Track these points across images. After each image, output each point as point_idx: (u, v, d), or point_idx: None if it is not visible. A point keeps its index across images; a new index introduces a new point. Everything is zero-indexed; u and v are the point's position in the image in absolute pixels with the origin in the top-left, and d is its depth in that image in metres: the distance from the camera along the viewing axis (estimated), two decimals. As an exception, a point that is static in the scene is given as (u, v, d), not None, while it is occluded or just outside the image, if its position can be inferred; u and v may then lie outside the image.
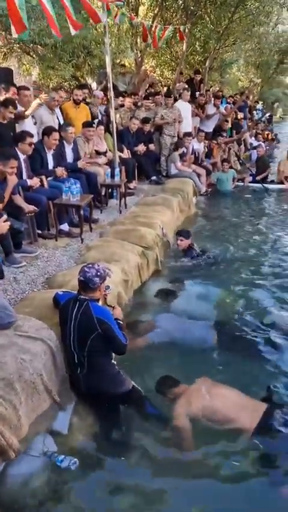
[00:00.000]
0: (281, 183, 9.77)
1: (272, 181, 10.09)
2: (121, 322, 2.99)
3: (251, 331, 3.80)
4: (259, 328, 3.87)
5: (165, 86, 12.75)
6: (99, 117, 7.54)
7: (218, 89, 13.88)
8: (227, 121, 11.12)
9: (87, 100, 7.69)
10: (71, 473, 2.41)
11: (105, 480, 2.49)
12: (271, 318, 4.08)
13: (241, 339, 3.70)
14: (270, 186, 9.87)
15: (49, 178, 5.25)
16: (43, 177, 5.09)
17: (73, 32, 5.50)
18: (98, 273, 2.77)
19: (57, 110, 6.44)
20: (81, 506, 2.33)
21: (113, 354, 2.87)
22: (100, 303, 2.87)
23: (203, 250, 5.56)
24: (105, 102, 8.06)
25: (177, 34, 10.29)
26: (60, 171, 5.32)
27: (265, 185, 9.74)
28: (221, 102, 10.82)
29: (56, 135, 5.21)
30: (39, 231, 4.93)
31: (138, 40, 11.02)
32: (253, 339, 3.70)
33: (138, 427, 2.81)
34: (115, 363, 2.88)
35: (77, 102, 6.77)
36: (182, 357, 3.51)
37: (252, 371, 3.35)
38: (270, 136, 16.01)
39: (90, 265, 2.83)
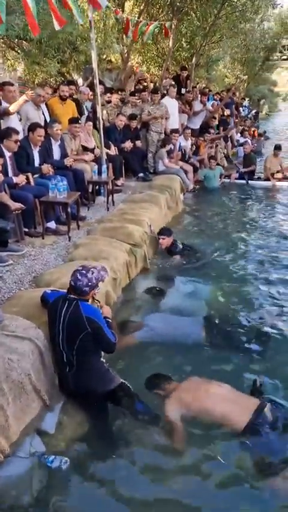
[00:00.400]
0: (268, 179, 9.84)
1: (259, 178, 10.15)
2: (110, 320, 2.98)
3: (240, 327, 3.83)
4: (248, 324, 3.90)
5: (151, 82, 12.69)
6: (86, 113, 7.48)
7: (204, 85, 13.89)
8: (215, 117, 11.15)
9: (75, 96, 7.60)
10: (59, 473, 2.39)
11: (95, 479, 2.48)
12: (259, 314, 4.12)
13: (230, 335, 3.71)
14: (257, 183, 9.94)
15: (35, 176, 5.19)
16: (29, 175, 5.03)
17: (57, 27, 5.43)
18: (89, 283, 2.69)
19: (43, 106, 6.37)
20: (71, 506, 2.31)
21: (102, 352, 2.86)
22: (90, 301, 2.85)
23: (189, 246, 5.55)
24: (92, 98, 8.00)
25: (163, 30, 10.26)
26: (47, 168, 5.27)
27: (249, 181, 9.82)
28: (208, 99, 10.85)
29: (41, 131, 5.15)
30: (26, 229, 4.87)
31: (124, 36, 10.96)
32: (242, 335, 3.71)
33: (127, 424, 2.81)
34: (104, 360, 2.87)
35: (63, 98, 6.71)
36: (171, 354, 3.52)
37: (242, 367, 3.36)
38: (256, 133, 16.09)
39: (84, 272, 2.71)
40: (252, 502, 2.36)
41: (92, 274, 2.73)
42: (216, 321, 3.95)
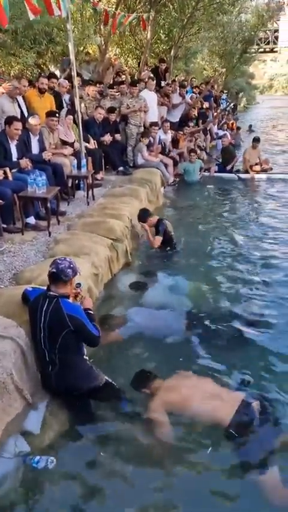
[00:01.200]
0: (247, 172, 9.91)
1: (238, 171, 10.22)
2: (91, 312, 2.94)
3: (222, 322, 3.84)
4: (230, 318, 3.92)
5: (130, 74, 12.57)
6: (65, 106, 7.36)
7: (183, 78, 13.85)
8: (194, 108, 11.15)
9: (56, 89, 7.46)
10: (44, 473, 2.37)
11: (80, 477, 2.46)
12: (241, 307, 4.15)
13: (213, 330, 3.73)
14: (235, 175, 10.01)
15: (13, 170, 5.08)
16: (7, 169, 4.92)
17: (31, 16, 5.27)
18: (71, 265, 2.74)
19: (20, 99, 6.23)
20: (57, 506, 2.29)
21: (85, 350, 2.83)
22: (71, 300, 2.82)
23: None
24: (69, 89, 7.88)
25: (141, 22, 10.15)
26: (25, 162, 5.16)
27: (238, 175, 9.88)
28: (186, 92, 10.82)
29: (17, 124, 5.03)
30: (5, 225, 4.76)
31: (102, 27, 10.81)
32: (224, 329, 3.74)
33: (112, 422, 2.80)
34: (87, 358, 2.84)
35: (42, 91, 6.57)
36: (155, 350, 3.52)
37: (225, 361, 3.38)
38: (234, 126, 16.18)
39: (62, 258, 2.81)
40: (238, 497, 2.38)
41: (71, 260, 2.81)
42: (198, 315, 3.97)
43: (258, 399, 2.76)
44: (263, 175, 9.80)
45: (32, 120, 5.47)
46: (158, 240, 5.27)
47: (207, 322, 3.85)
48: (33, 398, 2.67)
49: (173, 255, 5.32)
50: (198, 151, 10.80)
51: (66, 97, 7.72)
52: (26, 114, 6.13)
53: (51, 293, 2.70)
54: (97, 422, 2.80)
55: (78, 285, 3.06)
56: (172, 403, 2.78)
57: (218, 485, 2.43)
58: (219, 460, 2.57)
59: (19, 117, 5.56)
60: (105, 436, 2.71)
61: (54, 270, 2.71)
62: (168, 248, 5.39)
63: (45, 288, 2.84)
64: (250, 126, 19.71)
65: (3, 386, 2.49)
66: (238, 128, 16.05)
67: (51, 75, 8.10)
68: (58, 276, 2.69)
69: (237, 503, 2.34)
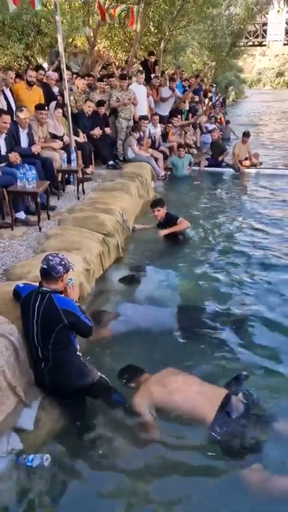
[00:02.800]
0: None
1: (228, 165, 10.22)
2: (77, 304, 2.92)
3: (213, 317, 3.85)
4: (221, 312, 3.94)
5: (119, 67, 12.46)
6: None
7: (173, 71, 13.77)
8: (184, 102, 11.10)
9: (45, 81, 7.36)
10: (38, 471, 2.36)
11: (75, 474, 2.46)
12: (233, 302, 4.16)
13: (203, 325, 3.74)
14: (225, 170, 10.01)
15: (2, 164, 5.01)
16: (-4, 163, 4.86)
17: (12, 7, 5.15)
18: (62, 262, 2.71)
19: (7, 91, 6.14)
20: (51, 503, 2.29)
21: (78, 346, 2.81)
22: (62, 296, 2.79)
23: None
24: (57, 82, 7.79)
25: (131, 14, 10.03)
26: (14, 156, 5.09)
27: (216, 168, 9.89)
28: (176, 86, 10.76)
29: (5, 117, 4.95)
30: (-6, 220, 4.73)
31: (91, 19, 10.69)
32: (215, 324, 3.75)
33: (105, 417, 2.80)
34: (80, 354, 2.82)
35: (30, 84, 6.47)
36: (146, 345, 3.51)
37: (214, 357, 3.38)
38: (223, 120, 16.15)
39: (54, 254, 2.78)
40: (221, 493, 2.39)
41: (63, 256, 2.78)
42: (189, 310, 3.98)
43: (243, 394, 2.76)
44: (253, 170, 9.81)
45: (20, 114, 5.38)
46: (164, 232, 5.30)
47: (198, 318, 3.86)
48: (26, 395, 2.64)
49: (165, 250, 5.30)
50: (191, 144, 10.79)
51: (55, 89, 7.64)
52: (13, 106, 6.04)
53: (44, 289, 2.68)
54: (91, 419, 2.79)
55: (70, 280, 3.03)
56: (156, 398, 2.78)
57: (202, 478, 2.46)
58: (203, 456, 2.57)
59: (6, 109, 5.48)
60: (99, 432, 2.70)
61: (45, 267, 2.69)
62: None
63: (36, 284, 2.81)
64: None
65: (-5, 384, 2.46)
66: (227, 122, 16.04)
67: (39, 67, 8.00)
68: (49, 273, 2.67)
69: (220, 496, 2.36)
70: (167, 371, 3.03)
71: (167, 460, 2.54)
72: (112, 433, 2.69)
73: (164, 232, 5.28)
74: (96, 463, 2.52)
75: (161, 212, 5.30)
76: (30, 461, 2.36)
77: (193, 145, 11.72)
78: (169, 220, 5.34)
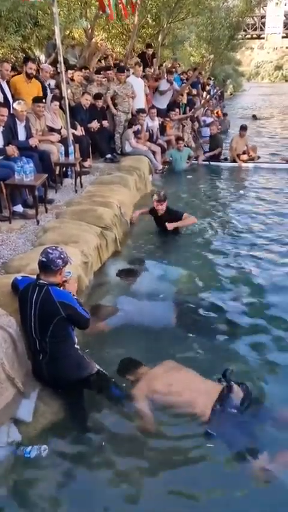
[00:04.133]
0: (234, 161, 9.90)
1: (226, 159, 10.21)
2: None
3: (211, 311, 3.87)
4: (219, 307, 3.95)
5: (116, 60, 12.38)
6: (49, 92, 7.23)
7: (170, 64, 13.70)
8: (182, 95, 11.05)
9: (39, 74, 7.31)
10: (36, 462, 2.38)
11: (72, 466, 2.47)
12: (231, 296, 4.18)
13: (201, 319, 3.76)
14: (223, 164, 9.99)
15: (-1, 158, 5.00)
16: (-7, 156, 4.85)
17: None
18: (61, 256, 2.72)
19: (4, 84, 6.10)
20: (48, 494, 2.30)
21: (76, 339, 2.83)
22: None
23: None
24: (53, 75, 7.74)
25: (129, 6, 9.96)
26: (11, 149, 5.07)
27: (213, 162, 9.89)
28: (174, 79, 10.70)
29: (2, 110, 4.94)
30: (-8, 213, 4.72)
31: (88, 11, 10.61)
32: (213, 318, 3.77)
33: (103, 409, 2.82)
34: (78, 347, 2.83)
35: (29, 77, 6.42)
36: (144, 338, 3.52)
37: (212, 351, 3.40)
38: (220, 113, 16.10)
39: (53, 247, 2.79)
40: (221, 483, 2.42)
41: (62, 249, 2.79)
42: (187, 304, 3.99)
43: (239, 387, 2.78)
44: (251, 164, 9.81)
45: (17, 106, 5.35)
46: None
47: (196, 311, 3.88)
48: (24, 387, 2.67)
49: (164, 243, 5.31)
50: (186, 139, 10.75)
51: (51, 82, 7.59)
52: (10, 99, 6.01)
53: (41, 281, 2.68)
54: (89, 411, 2.81)
55: (68, 273, 3.04)
56: (154, 392, 2.79)
57: (199, 473, 2.47)
58: (202, 448, 2.59)
59: (2, 102, 5.45)
60: (97, 424, 2.73)
61: (44, 259, 2.69)
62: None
63: (34, 276, 2.82)
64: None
65: (-6, 376, 2.48)
66: (225, 114, 15.99)
67: (30, 60, 7.93)
68: (47, 266, 2.68)
69: (220, 487, 2.39)
70: (165, 364, 3.05)
71: (165, 452, 2.57)
72: (110, 425, 2.71)
73: (172, 226, 5.27)
74: (94, 454, 2.54)
75: (163, 206, 5.30)
76: (28, 453, 2.38)
77: (193, 136, 11.68)
78: (172, 215, 5.33)
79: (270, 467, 2.39)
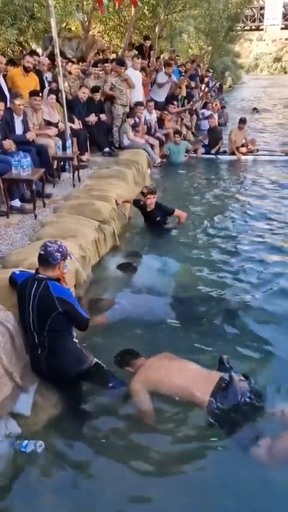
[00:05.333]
0: (233, 153, 9.86)
1: (225, 152, 10.16)
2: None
3: (210, 304, 3.87)
4: (217, 300, 3.95)
5: (113, 52, 12.29)
6: (47, 85, 7.18)
7: (168, 57, 13.59)
8: (181, 88, 10.99)
9: (37, 67, 7.26)
10: (36, 456, 2.39)
11: (71, 459, 2.48)
12: (230, 290, 4.18)
13: (199, 312, 3.76)
14: (223, 157, 9.95)
15: (-4, 152, 4.98)
16: (-10, 151, 4.82)
17: None
18: (60, 249, 2.71)
19: (0, 77, 6.06)
20: (47, 488, 2.31)
21: (74, 333, 2.83)
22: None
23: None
24: (50, 68, 7.68)
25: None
26: (8, 144, 5.05)
27: (218, 156, 9.84)
28: (173, 71, 10.63)
29: (-1, 104, 4.92)
30: (-11, 208, 4.71)
31: (85, 3, 10.51)
32: (211, 311, 3.77)
33: (102, 402, 2.82)
34: (77, 341, 2.83)
35: (27, 70, 6.37)
36: (142, 332, 3.53)
37: (211, 344, 3.40)
38: (219, 106, 16.02)
39: (53, 241, 2.79)
40: (222, 471, 2.42)
41: (61, 243, 2.78)
42: (186, 298, 4.00)
43: (236, 375, 2.79)
44: (250, 157, 9.77)
45: (16, 100, 5.32)
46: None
47: (194, 305, 3.88)
48: (23, 381, 2.67)
49: (162, 236, 5.30)
50: (184, 132, 10.70)
51: (47, 75, 7.54)
52: (6, 93, 5.97)
53: (40, 276, 2.68)
54: (88, 403, 2.82)
55: (64, 266, 3.01)
56: (153, 382, 2.80)
57: (201, 462, 2.48)
58: (202, 437, 2.61)
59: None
60: (96, 417, 2.74)
61: (42, 252, 2.69)
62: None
63: (33, 271, 2.81)
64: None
65: (-8, 370, 2.48)
66: (223, 107, 15.92)
67: (32, 52, 7.88)
68: (46, 259, 2.67)
69: (222, 475, 2.40)
70: (164, 355, 3.05)
71: (165, 443, 2.57)
72: (109, 417, 2.72)
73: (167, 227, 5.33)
74: (93, 447, 2.55)
75: (153, 200, 5.26)
76: (24, 447, 2.38)
77: (190, 129, 11.62)
78: (162, 210, 5.31)
79: (274, 452, 2.40)
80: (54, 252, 2.67)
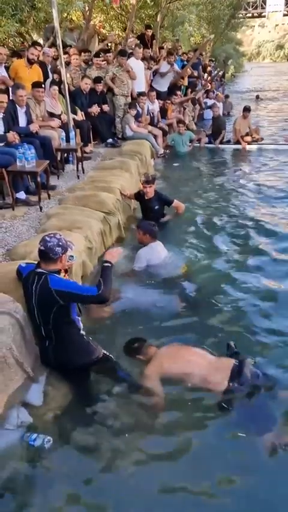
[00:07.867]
0: (238, 143, 9.79)
1: (229, 142, 10.09)
2: (108, 265, 2.84)
3: (216, 294, 3.88)
4: (223, 290, 3.96)
5: (114, 42, 12.14)
6: (50, 76, 7.13)
7: (170, 46, 13.43)
8: (183, 78, 10.89)
9: (41, 58, 7.19)
10: (44, 450, 2.41)
11: (81, 449, 2.51)
12: (235, 280, 4.18)
13: (205, 302, 3.77)
14: (227, 146, 9.89)
15: (0, 144, 4.96)
16: (-6, 143, 4.81)
17: None
18: (60, 243, 2.67)
19: (2, 69, 6.02)
20: (57, 478, 2.33)
21: (81, 325, 2.83)
22: (62, 275, 2.78)
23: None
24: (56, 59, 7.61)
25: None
26: (12, 136, 5.03)
27: (221, 146, 9.78)
28: (175, 61, 10.52)
29: (2, 96, 4.88)
30: (-5, 201, 4.71)
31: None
32: (217, 301, 3.78)
33: (110, 393, 2.84)
34: (84, 333, 2.83)
35: (31, 62, 6.32)
36: (149, 323, 3.54)
37: (217, 332, 3.42)
38: (221, 96, 15.85)
39: (51, 235, 2.74)
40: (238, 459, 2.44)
41: (60, 236, 2.73)
42: (192, 288, 4.00)
43: (249, 361, 2.80)
44: (254, 146, 9.71)
45: (20, 92, 5.29)
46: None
47: (200, 295, 3.89)
48: (33, 371, 2.70)
49: (167, 227, 5.30)
50: (188, 122, 10.62)
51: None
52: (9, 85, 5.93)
53: (40, 270, 2.67)
54: (95, 394, 2.84)
55: (71, 258, 3.01)
56: (167, 370, 2.82)
57: (216, 450, 2.49)
58: (217, 426, 2.62)
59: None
60: (106, 407, 2.74)
61: (42, 248, 2.66)
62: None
63: (38, 263, 2.81)
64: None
65: (3, 361, 2.50)
66: (227, 96, 15.76)
67: (35, 44, 7.81)
68: (46, 254, 2.65)
69: (238, 464, 2.42)
70: (174, 344, 3.07)
71: (177, 433, 2.59)
72: (119, 406, 2.74)
73: (166, 218, 5.29)
74: (104, 435, 2.57)
75: (152, 189, 5.23)
76: (33, 441, 2.41)
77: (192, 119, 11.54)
78: (162, 200, 5.29)
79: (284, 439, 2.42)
80: (55, 246, 2.64)
